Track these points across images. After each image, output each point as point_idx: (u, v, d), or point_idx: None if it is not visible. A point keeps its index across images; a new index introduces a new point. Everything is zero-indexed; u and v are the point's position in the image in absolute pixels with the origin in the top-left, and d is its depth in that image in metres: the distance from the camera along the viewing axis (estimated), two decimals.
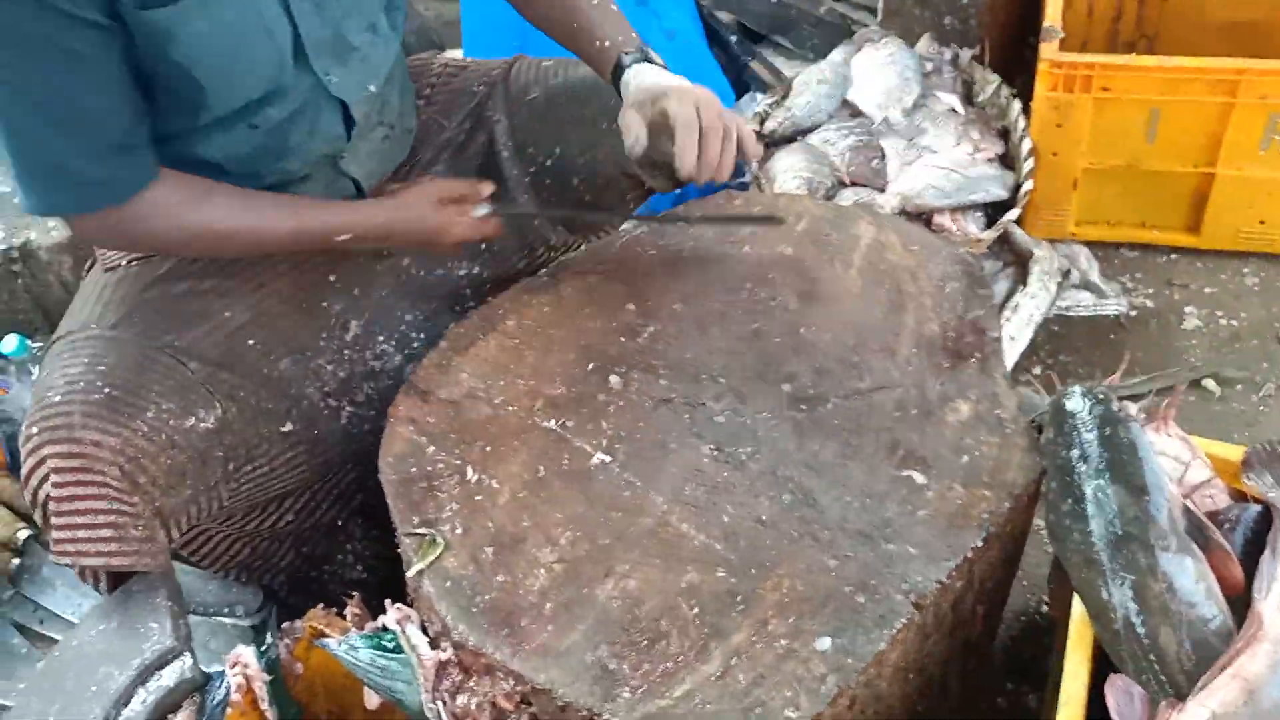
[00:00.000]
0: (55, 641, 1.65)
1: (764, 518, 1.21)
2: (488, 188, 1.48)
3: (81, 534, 1.24)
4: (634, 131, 1.34)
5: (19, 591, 1.69)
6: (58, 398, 1.26)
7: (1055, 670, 1.42)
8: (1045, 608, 1.61)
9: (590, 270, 1.54)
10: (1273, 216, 2.02)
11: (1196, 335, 1.98)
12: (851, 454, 1.27)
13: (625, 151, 1.37)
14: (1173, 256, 2.13)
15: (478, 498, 1.26)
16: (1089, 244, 2.15)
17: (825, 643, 1.10)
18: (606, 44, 1.43)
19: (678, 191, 1.74)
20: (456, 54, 2.71)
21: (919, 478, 1.24)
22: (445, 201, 1.44)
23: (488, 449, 1.31)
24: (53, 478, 1.24)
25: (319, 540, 1.65)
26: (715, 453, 1.28)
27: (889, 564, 1.16)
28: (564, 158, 1.59)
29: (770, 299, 1.46)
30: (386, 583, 1.69)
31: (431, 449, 1.32)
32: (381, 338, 1.52)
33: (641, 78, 1.39)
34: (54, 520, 1.25)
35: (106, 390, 1.27)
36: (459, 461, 1.30)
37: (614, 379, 1.37)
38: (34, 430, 1.26)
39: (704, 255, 1.54)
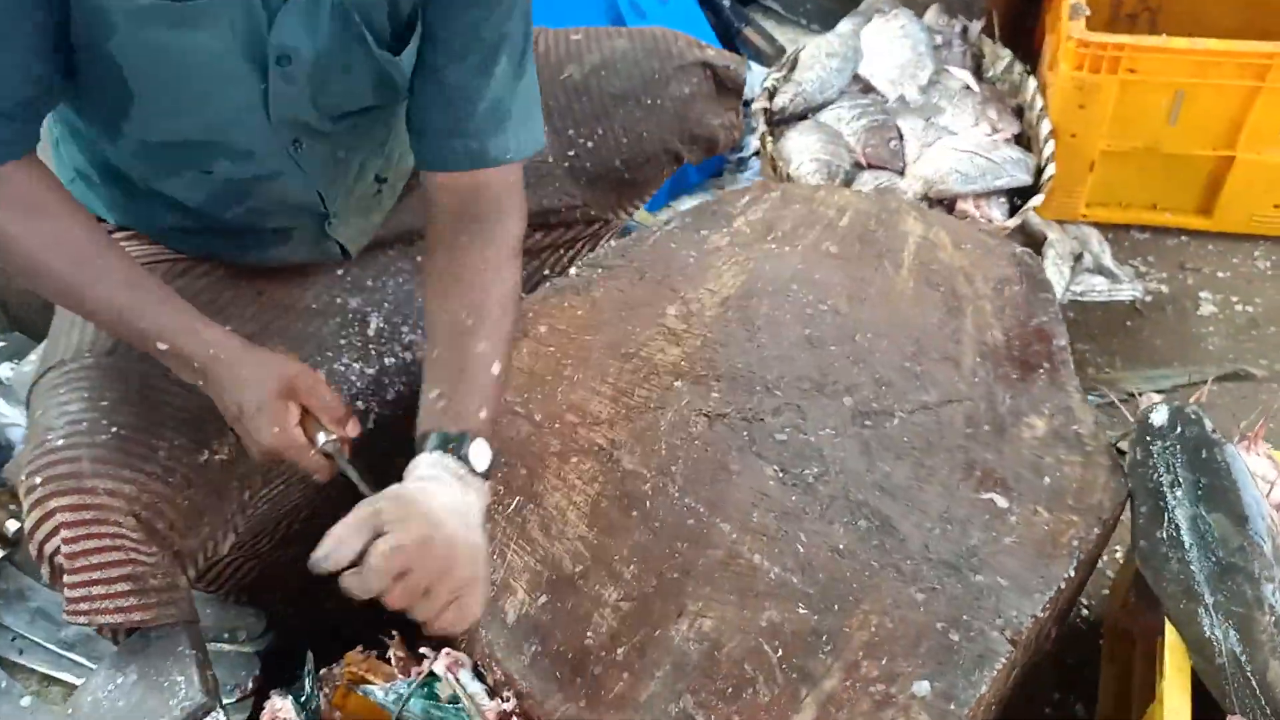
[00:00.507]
0: (36, 674, 1.52)
1: (841, 547, 1.14)
2: (353, 429, 1.17)
3: (97, 590, 1.12)
4: (329, 542, 1.01)
5: None
6: (60, 441, 1.13)
7: (1112, 683, 1.39)
8: (1085, 611, 1.58)
9: (622, 269, 1.43)
10: None
11: (1213, 322, 1.95)
12: (926, 475, 1.20)
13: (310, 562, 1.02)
14: (1183, 239, 2.09)
15: (529, 528, 1.16)
16: (1099, 226, 2.10)
17: (924, 687, 1.03)
18: (445, 406, 1.12)
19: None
20: None
21: (1000, 501, 1.18)
22: (285, 397, 1.11)
23: (533, 472, 1.21)
24: (63, 532, 1.11)
25: None
26: (781, 474, 1.20)
27: (979, 597, 1.10)
28: (606, 138, 1.50)
29: (819, 301, 1.38)
30: None
31: None
32: (405, 327, 1.41)
33: (423, 470, 1.08)
34: (67, 579, 1.12)
35: (114, 430, 1.14)
36: (502, 487, 1.20)
37: (663, 393, 1.28)
38: (38, 480, 1.12)
39: (743, 253, 1.44)
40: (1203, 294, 1.99)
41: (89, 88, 1.12)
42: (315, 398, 1.13)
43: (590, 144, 1.50)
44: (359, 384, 1.37)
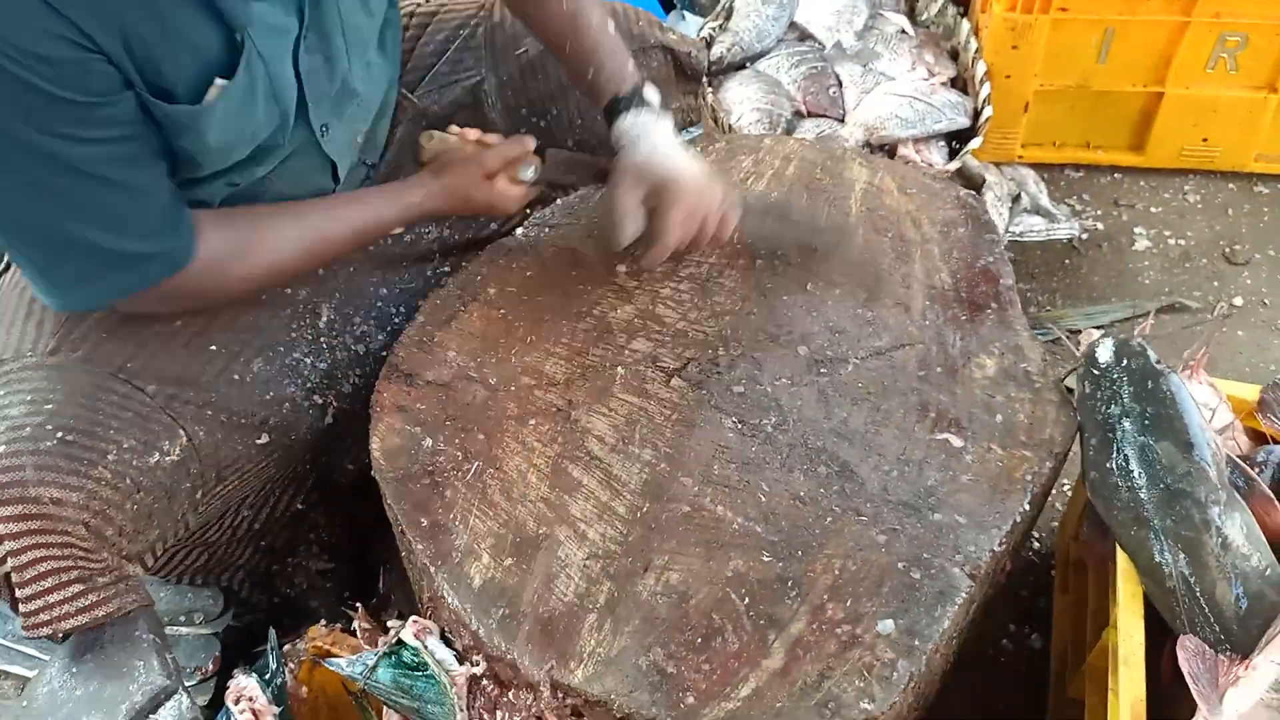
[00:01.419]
0: (11, 677, 1.49)
1: (802, 494, 1.15)
2: (530, 142, 1.35)
3: (54, 598, 1.09)
4: (630, 226, 1.31)
5: None
6: (1, 448, 1.08)
7: (1066, 612, 1.43)
8: (1037, 545, 1.62)
9: (570, 228, 1.42)
10: (1215, 134, 2.04)
11: (1148, 256, 2.00)
12: (882, 419, 1.21)
13: (608, 240, 1.33)
14: (1117, 176, 2.13)
15: (490, 492, 1.16)
16: (1034, 166, 2.13)
17: (888, 625, 1.05)
18: (600, 77, 1.34)
19: None
20: None
21: (955, 441, 1.19)
22: (491, 174, 1.32)
23: (491, 436, 1.20)
24: (8, 544, 1.07)
25: (278, 533, 1.51)
26: (739, 425, 1.21)
27: (938, 535, 1.12)
28: (560, 117, 1.48)
29: (770, 253, 1.38)
30: (356, 571, 1.59)
31: (428, 440, 1.20)
32: (358, 318, 1.38)
33: (640, 140, 1.31)
34: (20, 592, 1.09)
35: (59, 435, 1.10)
36: (460, 453, 1.19)
37: (616, 351, 1.27)
38: None
39: None
40: (1137, 229, 2.04)
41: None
42: (500, 160, 1.32)
43: (543, 123, 1.48)
44: (313, 379, 1.34)
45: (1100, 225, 2.05)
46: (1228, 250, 1.98)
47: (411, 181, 1.33)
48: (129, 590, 1.14)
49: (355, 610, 1.17)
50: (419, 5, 1.52)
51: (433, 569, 1.10)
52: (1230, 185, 2.09)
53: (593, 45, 1.35)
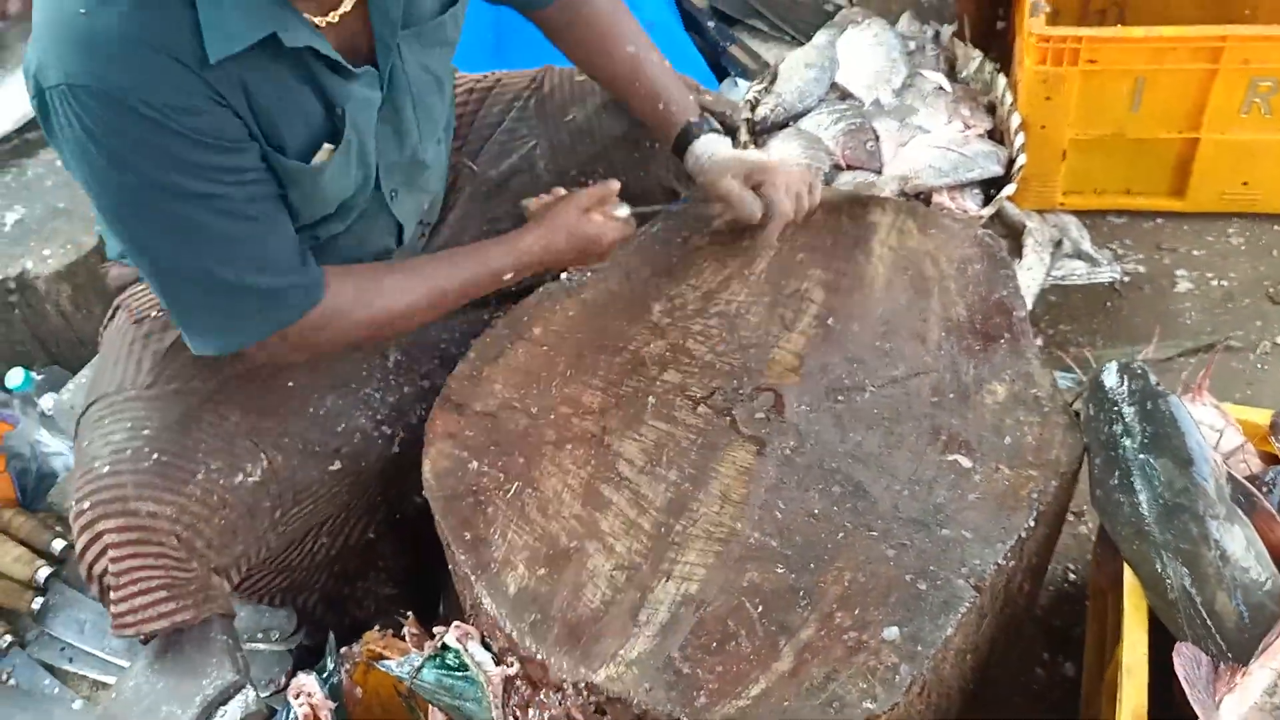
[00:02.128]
0: (87, 680, 1.63)
1: (816, 511, 1.22)
2: (615, 185, 1.48)
3: (139, 600, 1.23)
4: (752, 202, 1.46)
5: (45, 630, 1.66)
6: (106, 469, 1.24)
7: (1093, 640, 1.46)
8: (1073, 575, 1.65)
9: (610, 271, 1.53)
10: (1255, 177, 2.07)
11: (1190, 298, 2.03)
12: (895, 442, 1.28)
13: (742, 219, 1.48)
14: (1159, 221, 2.16)
15: (528, 510, 1.26)
16: (1076, 213, 2.18)
17: (893, 632, 1.11)
18: (672, 108, 1.50)
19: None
20: None
21: (964, 461, 1.26)
22: (590, 209, 1.45)
23: (531, 460, 1.31)
24: (110, 553, 1.23)
25: (351, 559, 1.63)
26: (759, 449, 1.29)
27: (946, 549, 1.18)
28: (606, 176, 1.58)
29: (793, 292, 1.47)
30: (419, 596, 1.70)
31: (474, 464, 1.31)
32: (423, 358, 1.52)
33: (718, 148, 1.50)
34: (113, 595, 1.24)
35: (155, 456, 1.25)
36: (502, 475, 1.30)
37: (648, 382, 1.37)
38: (85, 505, 1.24)
39: (721, 250, 1.54)
40: (1179, 272, 2.07)
41: None
42: (594, 198, 1.45)
43: (590, 181, 1.60)
44: (382, 411, 1.48)
45: (1142, 269, 2.09)
46: (1272, 290, 2.00)
47: (519, 230, 1.45)
48: (210, 600, 1.27)
49: (406, 617, 1.28)
50: (478, 81, 1.68)
51: (473, 578, 1.20)
52: (1275, 227, 2.11)
53: (659, 82, 1.51)
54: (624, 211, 1.48)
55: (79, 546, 1.26)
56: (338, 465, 1.43)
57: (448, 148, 1.52)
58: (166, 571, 1.24)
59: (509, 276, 1.42)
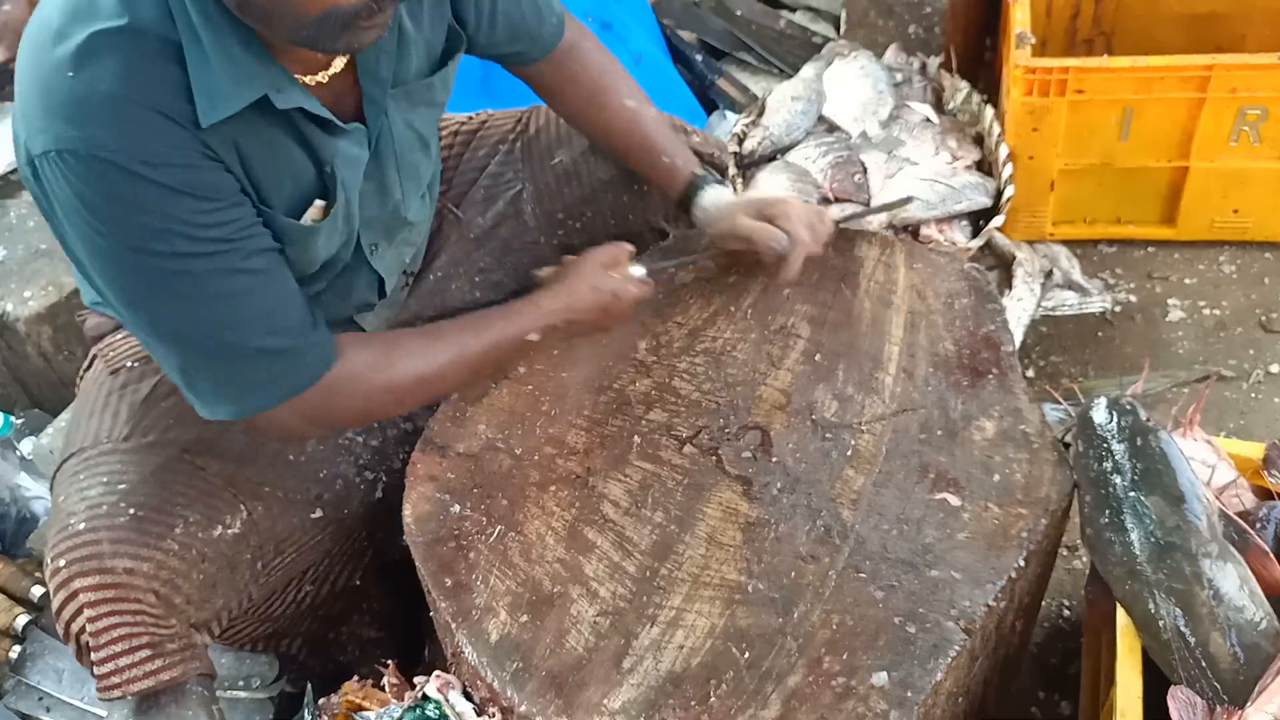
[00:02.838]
0: None
1: (803, 552, 1.20)
2: (628, 247, 1.45)
3: (124, 661, 1.21)
4: (775, 235, 1.43)
5: (21, 680, 1.63)
6: (81, 525, 1.22)
7: (1088, 677, 1.43)
8: (1067, 611, 1.62)
9: None
10: (1245, 205, 2.06)
11: (1182, 327, 2.01)
12: (883, 480, 1.26)
13: (770, 255, 1.45)
14: (1150, 250, 2.16)
15: (510, 554, 1.23)
16: (1067, 243, 2.17)
17: (882, 677, 1.09)
18: (677, 161, 1.51)
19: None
20: None
21: (953, 500, 1.24)
22: (608, 266, 1.42)
23: (514, 502, 1.29)
24: (87, 611, 1.20)
25: (335, 603, 1.61)
26: (746, 489, 1.27)
27: (935, 591, 1.16)
28: (594, 220, 1.58)
29: (780, 328, 1.46)
30: (404, 638, 1.67)
31: (456, 507, 1.29)
32: None
33: (723, 196, 1.49)
34: (94, 655, 1.22)
35: (131, 511, 1.23)
36: (485, 518, 1.28)
37: (634, 421, 1.35)
38: (61, 563, 1.21)
39: (707, 287, 1.53)
40: (1171, 301, 2.06)
41: None
42: (609, 256, 1.42)
43: (579, 225, 1.59)
44: (365, 456, 1.46)
45: (1133, 298, 2.07)
46: (1264, 318, 1.99)
47: (541, 290, 1.42)
48: (194, 658, 1.25)
49: (386, 667, 1.25)
50: (463, 124, 1.66)
51: (454, 625, 1.18)
52: (1267, 254, 2.10)
53: (658, 137, 1.51)
54: (640, 271, 1.45)
55: (55, 605, 1.24)
56: (319, 513, 1.41)
57: (432, 203, 1.50)
58: (146, 629, 1.22)
59: (534, 337, 1.39)
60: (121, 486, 1.26)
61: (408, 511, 1.30)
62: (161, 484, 1.27)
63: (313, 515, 1.41)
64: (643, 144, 1.51)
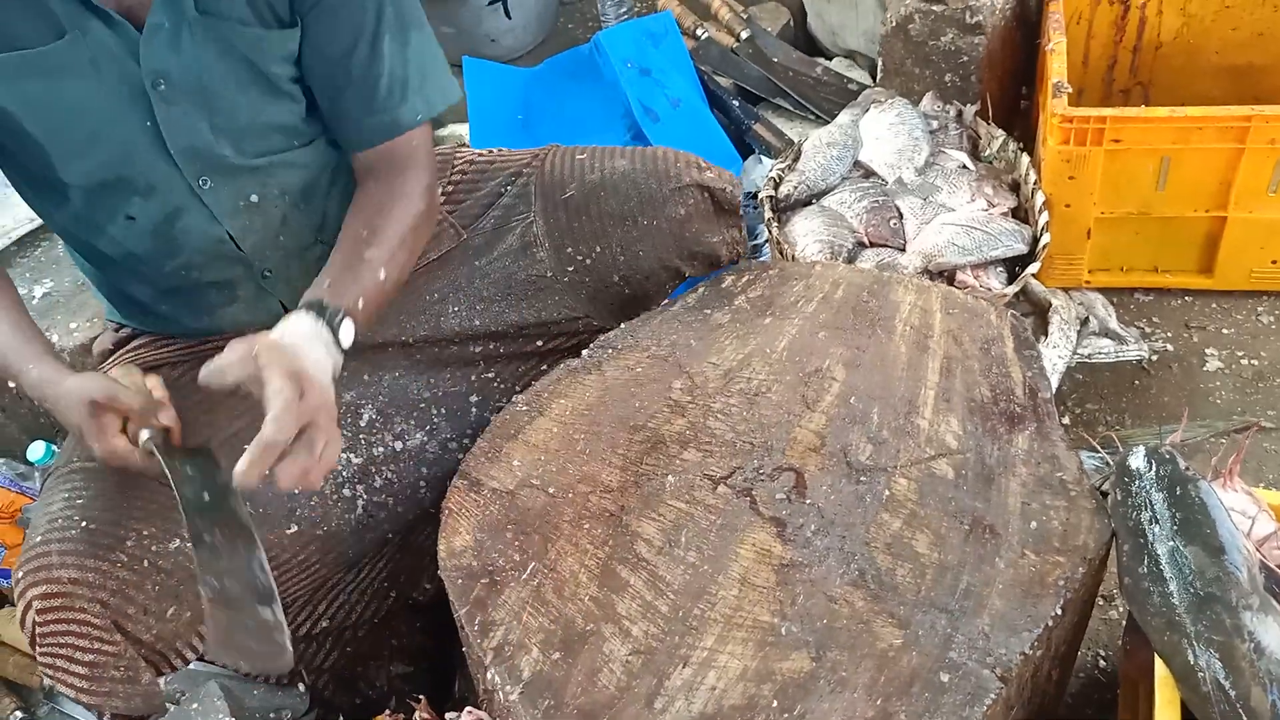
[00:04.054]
0: None
1: (837, 596, 1.20)
2: (166, 418, 1.26)
3: (60, 664, 1.24)
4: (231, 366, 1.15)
5: (56, 707, 1.65)
6: (38, 538, 1.26)
7: None
8: (1103, 662, 1.60)
9: (631, 349, 1.53)
10: None
11: (1220, 377, 2.00)
12: (919, 525, 1.26)
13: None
14: (1187, 299, 2.15)
15: (543, 591, 1.24)
16: (1103, 290, 2.16)
17: None
18: (325, 284, 1.29)
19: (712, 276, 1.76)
20: (459, 129, 2.73)
21: (989, 547, 1.23)
22: (101, 408, 1.22)
23: (548, 539, 1.29)
24: (35, 616, 1.23)
25: (361, 638, 1.61)
26: (780, 530, 1.27)
27: (970, 638, 1.15)
28: (604, 255, 1.58)
29: (815, 370, 1.46)
30: (433, 674, 1.67)
31: (490, 543, 1.30)
32: (398, 418, 1.50)
33: (290, 328, 1.21)
34: (39, 650, 1.25)
35: (84, 524, 1.25)
36: (518, 555, 1.28)
37: (669, 461, 1.36)
38: (20, 574, 1.25)
39: (743, 328, 1.54)
40: (1208, 350, 2.04)
41: (12, 148, 1.28)
42: (118, 404, 1.22)
43: (589, 261, 1.58)
44: (345, 472, 1.46)
45: (1170, 347, 2.06)
46: None
47: (60, 366, 1.27)
48: (126, 696, 1.25)
49: (418, 702, 1.26)
50: (479, 156, 1.68)
51: (486, 662, 1.18)
52: None
53: (351, 264, 1.32)
54: (143, 437, 1.24)
55: (18, 615, 1.27)
56: (294, 528, 1.41)
57: (309, 157, 1.41)
58: (90, 643, 1.23)
59: (12, 385, 1.27)
60: (79, 501, 1.29)
61: (442, 546, 1.30)
62: (118, 499, 1.29)
63: (288, 530, 1.41)
64: (328, 264, 1.33)
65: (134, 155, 1.30)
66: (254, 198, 1.38)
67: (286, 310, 1.42)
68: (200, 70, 1.28)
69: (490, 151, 1.69)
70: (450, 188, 1.64)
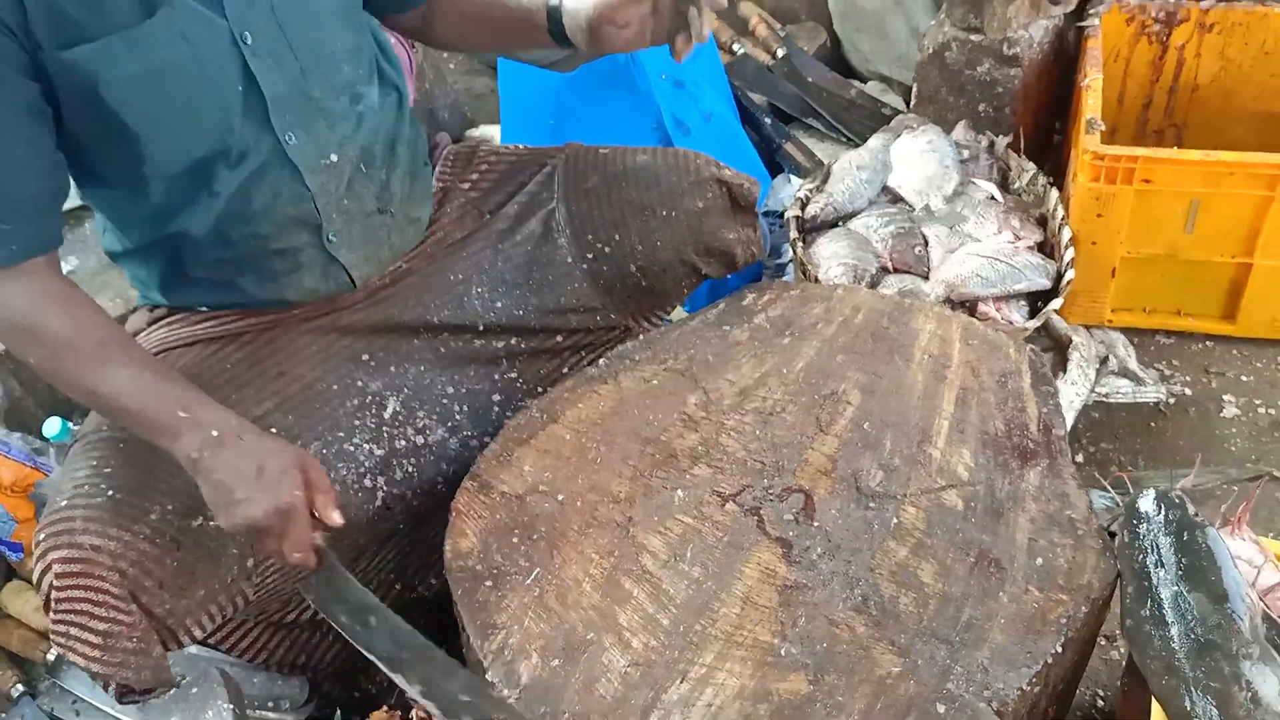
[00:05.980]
0: None
1: (838, 620, 1.20)
2: (338, 518, 1.24)
3: (74, 631, 1.23)
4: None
5: (57, 682, 1.66)
6: (64, 502, 1.26)
7: None
8: (1101, 702, 1.60)
9: (648, 361, 1.54)
10: None
11: (1236, 424, 1.99)
12: (925, 554, 1.26)
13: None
14: (1208, 344, 2.14)
15: (546, 597, 1.25)
16: (1125, 330, 2.16)
17: None
18: (536, 3, 1.47)
19: (729, 277, 1.77)
20: (489, 130, 2.75)
21: (994, 580, 1.23)
22: (303, 469, 1.22)
23: (554, 546, 1.30)
24: (55, 580, 1.23)
25: None
26: (786, 551, 1.27)
27: (969, 670, 1.15)
28: (623, 244, 1.61)
29: (831, 393, 1.46)
30: None
31: (496, 545, 1.31)
32: (421, 413, 1.52)
33: None
34: (52, 614, 1.25)
35: (110, 493, 1.26)
36: (524, 559, 1.29)
37: (679, 475, 1.37)
38: (41, 535, 1.25)
39: (762, 346, 1.54)
40: (1226, 397, 2.03)
41: (99, 152, 1.29)
42: (324, 479, 1.24)
43: (607, 249, 1.61)
44: (367, 463, 1.47)
45: (1188, 391, 2.05)
46: None
47: (237, 419, 1.25)
48: (136, 668, 1.25)
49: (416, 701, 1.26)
50: (508, 150, 1.72)
51: (486, 664, 1.19)
52: None
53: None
54: (318, 538, 1.25)
55: (35, 576, 1.27)
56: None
57: (378, 117, 1.47)
58: (105, 611, 1.23)
59: (183, 415, 1.22)
60: (107, 470, 1.29)
61: (449, 546, 1.31)
62: (146, 470, 1.29)
63: None
64: (509, 15, 1.51)
65: (231, 121, 1.31)
66: (334, 157, 1.41)
67: (351, 277, 1.47)
68: (283, 10, 1.32)
69: (516, 147, 1.72)
70: (475, 176, 1.67)
